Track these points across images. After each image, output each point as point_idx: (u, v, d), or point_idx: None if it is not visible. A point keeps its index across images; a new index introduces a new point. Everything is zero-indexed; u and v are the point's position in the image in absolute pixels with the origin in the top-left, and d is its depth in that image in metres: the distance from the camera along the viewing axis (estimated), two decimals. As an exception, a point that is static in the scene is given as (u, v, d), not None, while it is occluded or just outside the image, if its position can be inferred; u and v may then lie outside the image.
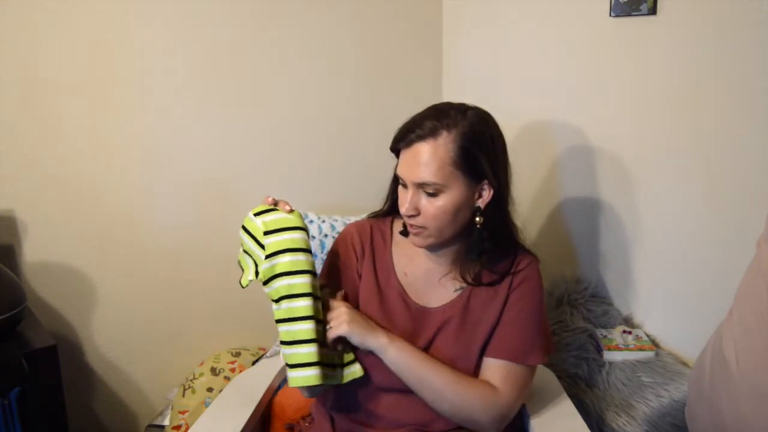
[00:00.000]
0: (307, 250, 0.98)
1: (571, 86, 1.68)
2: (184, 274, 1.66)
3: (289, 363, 0.95)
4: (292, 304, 0.95)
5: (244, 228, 1.00)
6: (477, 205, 1.02)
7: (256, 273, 0.97)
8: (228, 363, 1.65)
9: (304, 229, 0.99)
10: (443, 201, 0.98)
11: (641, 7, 1.47)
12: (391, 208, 1.14)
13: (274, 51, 1.69)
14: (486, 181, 1.00)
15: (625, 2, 1.49)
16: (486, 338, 1.05)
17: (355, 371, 1.03)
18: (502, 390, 1.02)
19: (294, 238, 0.97)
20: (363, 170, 1.85)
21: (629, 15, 1.50)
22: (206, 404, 1.52)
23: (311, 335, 0.95)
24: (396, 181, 1.07)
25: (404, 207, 1.00)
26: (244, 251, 1.01)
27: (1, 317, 1.18)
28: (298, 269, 0.95)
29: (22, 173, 1.43)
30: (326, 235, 1.43)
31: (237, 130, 1.68)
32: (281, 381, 1.28)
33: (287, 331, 0.95)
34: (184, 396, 1.59)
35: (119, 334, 1.60)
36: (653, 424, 1.34)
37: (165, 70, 1.55)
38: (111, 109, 1.50)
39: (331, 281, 1.10)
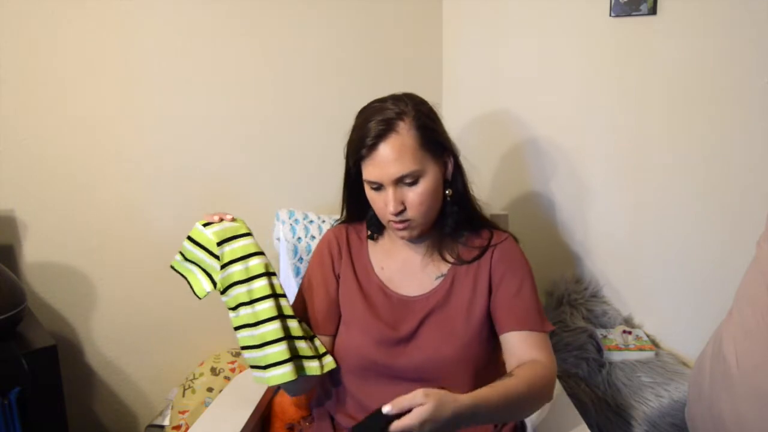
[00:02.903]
0: (260, 254, 1.02)
1: (571, 86, 1.69)
2: (184, 274, 1.66)
3: (262, 364, 0.99)
4: (255, 309, 0.99)
5: (190, 239, 1.02)
6: (446, 178, 1.06)
7: (213, 283, 1.01)
8: (228, 363, 1.65)
9: (251, 234, 1.03)
10: (424, 185, 1.00)
11: (641, 7, 1.47)
12: (356, 215, 1.16)
13: (274, 51, 1.69)
14: (446, 152, 1.05)
15: (625, 2, 1.49)
16: (474, 318, 1.06)
17: (330, 362, 1.06)
18: (541, 357, 1.01)
19: (246, 244, 1.01)
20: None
21: (629, 15, 1.50)
22: (206, 404, 1.52)
23: (279, 334, 0.98)
24: (353, 188, 1.10)
25: (390, 206, 1.00)
26: (188, 260, 1.03)
27: (1, 317, 1.18)
28: (254, 274, 1.00)
29: (22, 173, 1.43)
30: (326, 235, 1.42)
31: (237, 130, 1.68)
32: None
33: (250, 336, 0.99)
34: (184, 396, 1.59)
35: (119, 334, 1.60)
36: (653, 424, 1.34)
37: (166, 72, 1.55)
38: (111, 110, 1.50)
39: (310, 285, 1.14)
